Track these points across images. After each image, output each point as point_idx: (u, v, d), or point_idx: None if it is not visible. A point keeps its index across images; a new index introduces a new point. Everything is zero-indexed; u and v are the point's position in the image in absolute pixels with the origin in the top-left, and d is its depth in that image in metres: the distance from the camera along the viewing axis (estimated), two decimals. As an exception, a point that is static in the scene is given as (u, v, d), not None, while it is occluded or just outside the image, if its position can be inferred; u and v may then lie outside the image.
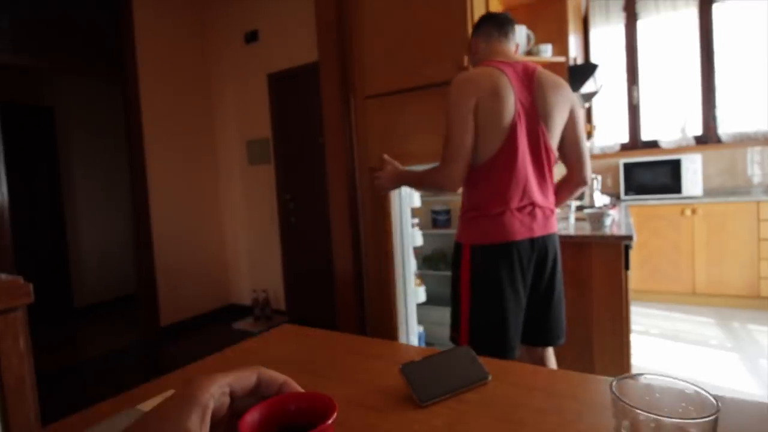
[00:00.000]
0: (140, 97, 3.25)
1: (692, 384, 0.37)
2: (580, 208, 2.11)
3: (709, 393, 0.36)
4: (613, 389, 0.38)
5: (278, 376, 0.35)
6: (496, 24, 1.45)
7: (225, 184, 3.91)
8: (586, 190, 2.67)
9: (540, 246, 1.36)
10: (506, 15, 1.48)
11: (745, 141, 3.56)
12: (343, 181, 2.20)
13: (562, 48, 2.22)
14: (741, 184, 3.59)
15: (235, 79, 3.75)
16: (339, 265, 2.21)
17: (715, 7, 3.61)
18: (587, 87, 2.60)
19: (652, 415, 0.34)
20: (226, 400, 0.32)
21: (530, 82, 1.34)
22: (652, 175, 3.55)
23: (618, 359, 1.81)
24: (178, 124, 3.56)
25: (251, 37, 3.65)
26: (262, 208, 3.70)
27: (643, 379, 0.39)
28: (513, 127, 1.29)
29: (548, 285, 1.41)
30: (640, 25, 3.89)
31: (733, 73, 3.57)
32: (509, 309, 1.33)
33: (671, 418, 0.34)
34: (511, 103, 1.29)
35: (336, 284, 2.24)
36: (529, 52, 2.17)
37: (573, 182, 1.48)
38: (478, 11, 1.92)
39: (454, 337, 1.43)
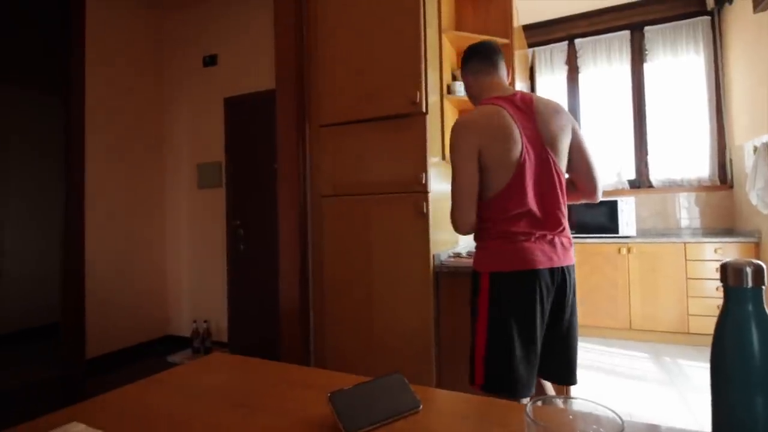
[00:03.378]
0: (84, 114, 3.10)
1: (602, 405, 0.38)
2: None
3: (616, 413, 0.36)
4: (528, 412, 0.37)
5: None
6: (482, 56, 1.46)
7: (171, 207, 3.74)
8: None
9: (560, 277, 1.29)
10: (490, 44, 1.48)
11: (673, 187, 3.88)
12: (295, 209, 2.16)
13: (509, 91, 2.36)
14: (671, 227, 3.88)
15: (191, 101, 3.68)
16: (285, 294, 2.14)
17: (645, 66, 4.00)
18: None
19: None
20: None
21: (531, 111, 1.33)
22: (592, 215, 3.77)
23: (558, 390, 1.84)
24: (125, 144, 3.41)
25: (210, 60, 3.63)
26: (210, 233, 3.56)
27: (557, 402, 0.39)
28: (522, 161, 1.28)
29: (568, 318, 1.33)
30: (581, 77, 4.23)
31: (663, 125, 3.93)
32: (530, 345, 1.25)
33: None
34: (518, 137, 1.28)
35: (281, 315, 2.16)
36: (478, 93, 2.30)
37: (584, 196, 1.47)
38: (432, 51, 2.02)
39: (470, 378, 1.31)
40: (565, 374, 1.36)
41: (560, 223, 1.32)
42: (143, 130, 3.58)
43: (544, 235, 1.30)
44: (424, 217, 1.90)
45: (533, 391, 1.28)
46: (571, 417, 0.39)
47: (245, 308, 3.35)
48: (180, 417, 0.63)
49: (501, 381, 1.24)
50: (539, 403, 0.39)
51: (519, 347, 1.24)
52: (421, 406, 0.62)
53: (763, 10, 2.96)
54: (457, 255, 2.11)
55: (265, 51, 3.22)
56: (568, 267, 1.32)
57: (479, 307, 1.31)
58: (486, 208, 1.34)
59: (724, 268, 0.47)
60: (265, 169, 3.24)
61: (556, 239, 1.31)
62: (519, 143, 1.28)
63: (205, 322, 3.44)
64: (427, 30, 1.97)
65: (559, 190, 1.33)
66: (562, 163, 1.36)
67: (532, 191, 1.30)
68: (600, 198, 1.48)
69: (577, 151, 1.41)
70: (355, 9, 2.07)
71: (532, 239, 1.28)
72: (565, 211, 1.35)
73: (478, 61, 1.46)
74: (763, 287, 0.46)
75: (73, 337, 2.99)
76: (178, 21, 3.74)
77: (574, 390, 1.79)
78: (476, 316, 1.32)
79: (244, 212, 3.38)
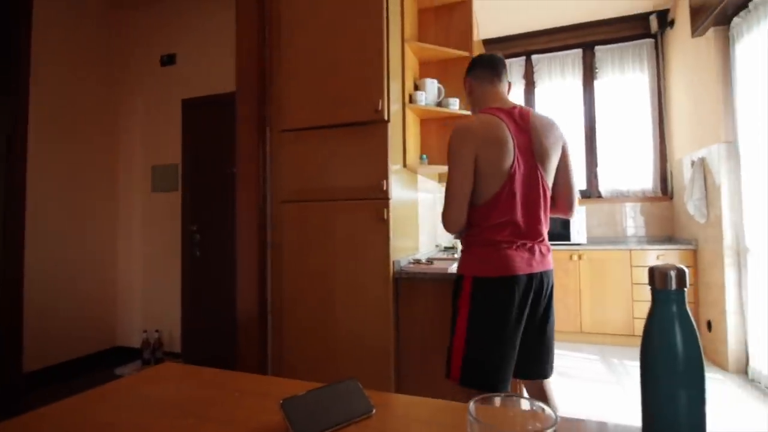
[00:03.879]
0: (28, 112, 2.91)
1: (537, 403, 0.40)
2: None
3: (551, 410, 0.38)
4: (471, 411, 0.39)
5: None
6: (490, 66, 1.52)
7: (123, 211, 3.57)
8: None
9: (537, 281, 1.40)
10: (498, 56, 1.55)
11: (620, 198, 4.11)
12: (254, 214, 2.12)
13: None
14: (618, 235, 4.11)
15: (147, 102, 3.54)
16: (242, 301, 2.09)
17: (596, 82, 4.24)
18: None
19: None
20: None
21: (527, 126, 1.41)
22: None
23: (533, 386, 1.89)
24: (73, 145, 3.23)
25: (168, 60, 3.51)
26: (164, 239, 3.42)
27: (498, 400, 0.41)
28: (512, 171, 1.37)
29: (543, 318, 1.44)
30: (537, 91, 4.42)
31: (612, 139, 4.16)
32: (507, 344, 1.34)
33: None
34: (511, 150, 1.36)
35: (238, 322, 2.10)
36: (439, 104, 2.35)
37: (560, 213, 1.56)
38: (395, 60, 2.05)
39: (446, 372, 1.41)
40: (541, 370, 1.47)
41: (541, 234, 1.43)
42: (94, 131, 3.41)
43: (525, 244, 1.39)
44: (384, 223, 1.91)
45: (509, 387, 1.37)
46: (511, 415, 0.41)
47: (200, 316, 3.24)
48: (123, 430, 0.60)
49: (479, 376, 1.33)
50: (481, 402, 0.40)
51: (497, 345, 1.33)
52: (375, 411, 0.63)
53: (700, 34, 3.21)
54: (417, 261, 2.14)
55: (227, 52, 3.15)
56: (545, 272, 1.43)
57: (460, 307, 1.39)
58: (474, 213, 1.42)
59: (652, 272, 0.51)
60: (223, 173, 3.16)
61: (536, 247, 1.41)
62: (512, 155, 1.36)
63: (156, 331, 3.30)
64: (390, 39, 2.00)
65: (542, 204, 1.43)
66: (549, 179, 1.46)
67: (519, 202, 1.38)
68: (574, 216, 1.59)
69: (563, 170, 1.51)
70: (318, 14, 2.07)
71: (513, 247, 1.37)
72: (546, 222, 1.46)
73: (483, 68, 1.53)
74: (686, 289, 0.50)
75: (9, 349, 2.78)
76: (134, 17, 3.61)
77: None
78: (456, 316, 1.40)
79: (201, 217, 3.28)
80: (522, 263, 1.36)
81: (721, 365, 2.99)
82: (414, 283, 1.94)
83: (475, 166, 1.38)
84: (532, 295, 1.38)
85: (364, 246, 1.95)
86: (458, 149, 1.38)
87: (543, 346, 1.46)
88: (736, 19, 2.86)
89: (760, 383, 2.67)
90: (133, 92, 3.58)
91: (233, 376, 0.82)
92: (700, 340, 0.50)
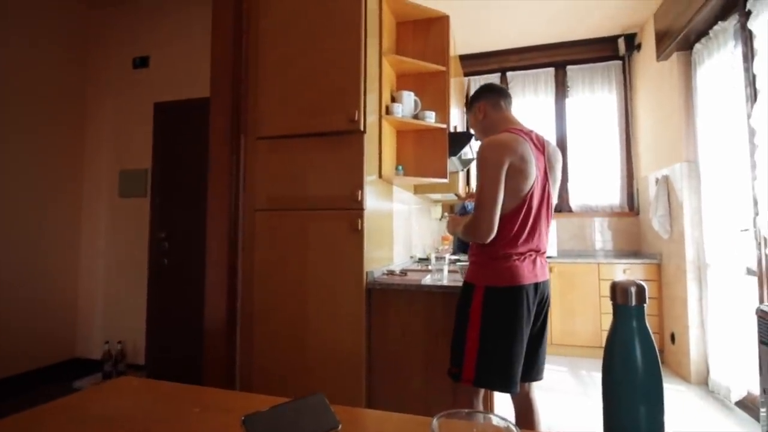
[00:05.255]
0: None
1: (501, 418, 0.40)
2: (454, 261, 2.26)
3: (512, 424, 0.38)
4: (433, 427, 0.39)
5: None
6: (503, 94, 1.67)
7: (88, 216, 3.44)
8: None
9: (541, 290, 1.52)
10: (505, 87, 1.69)
11: (590, 212, 4.24)
12: (225, 222, 2.08)
13: (443, 116, 2.47)
14: (587, 248, 4.22)
15: (117, 104, 3.44)
16: (211, 311, 2.03)
17: (567, 100, 4.38)
18: (466, 154, 2.89)
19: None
20: None
21: (544, 150, 1.56)
22: (519, 235, 3.99)
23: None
24: (36, 146, 3.10)
25: (141, 62, 3.44)
26: (130, 246, 3.30)
27: (462, 416, 0.41)
28: (532, 188, 1.48)
29: (542, 325, 1.56)
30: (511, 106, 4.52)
31: (582, 155, 4.30)
32: (518, 346, 1.45)
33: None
34: (534, 167, 1.47)
35: (205, 333, 2.04)
36: (415, 116, 2.37)
37: None
38: (372, 71, 2.07)
39: (455, 373, 1.50)
40: (537, 372, 1.58)
41: (545, 247, 1.58)
42: (60, 131, 3.28)
43: (532, 255, 1.52)
44: (359, 234, 1.91)
45: (518, 387, 1.48)
46: (474, 430, 0.40)
47: (167, 327, 3.13)
48: (72, 449, 0.57)
49: (493, 377, 1.45)
50: (446, 417, 0.40)
51: (510, 348, 1.44)
52: (341, 427, 0.61)
53: (665, 58, 3.37)
54: (391, 272, 2.13)
55: (202, 56, 3.10)
56: (546, 282, 1.56)
57: (471, 315, 1.49)
58: None
59: (613, 288, 0.52)
60: (195, 179, 3.09)
61: (538, 259, 1.54)
62: (534, 173, 1.48)
63: (119, 343, 3.17)
64: (368, 51, 2.01)
65: (548, 220, 1.59)
66: (554, 199, 1.63)
67: (533, 218, 1.50)
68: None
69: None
70: (297, 23, 2.07)
71: (523, 258, 1.49)
72: (548, 238, 1.61)
73: (496, 94, 1.67)
74: (645, 305, 0.52)
75: (-43, 362, 2.62)
76: (107, 17, 3.52)
77: (499, 404, 1.86)
78: (467, 323, 1.49)
79: (171, 224, 3.19)
80: (530, 273, 1.49)
81: (684, 377, 3.09)
82: (387, 295, 1.93)
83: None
84: (536, 302, 1.51)
85: (338, 256, 1.93)
86: (494, 159, 1.45)
87: (541, 349, 1.58)
88: (697, 45, 3.02)
89: (719, 394, 2.77)
90: (102, 94, 3.48)
91: (195, 391, 0.79)
92: (658, 354, 0.51)
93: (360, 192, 1.91)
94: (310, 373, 1.92)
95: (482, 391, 1.57)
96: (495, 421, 0.40)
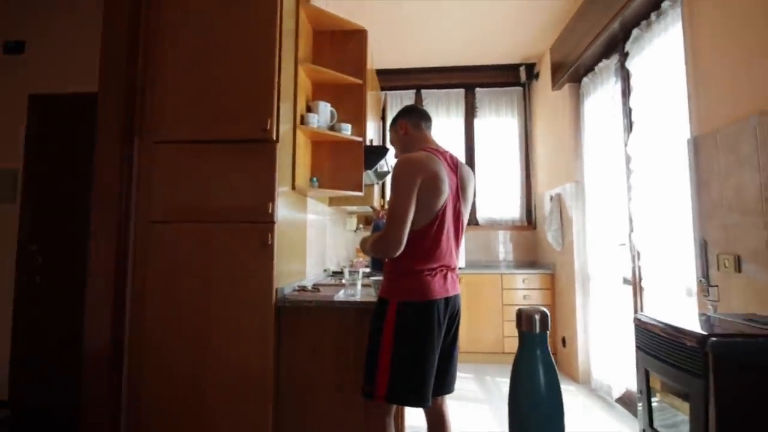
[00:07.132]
0: None
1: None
2: (367, 275, 2.25)
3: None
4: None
5: None
6: (425, 116, 1.74)
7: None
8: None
9: (452, 304, 1.55)
10: (427, 112, 1.77)
11: (494, 225, 4.53)
12: (112, 234, 1.84)
13: (360, 129, 2.46)
14: (492, 259, 4.50)
15: (-22, 92, 2.92)
16: (91, 339, 1.77)
17: (476, 120, 4.66)
18: (382, 167, 2.92)
19: None
20: None
21: (456, 169, 1.62)
22: (431, 248, 4.12)
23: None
24: None
25: (14, 47, 2.96)
26: (-8, 260, 2.79)
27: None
28: (444, 206, 1.51)
29: (453, 339, 1.60)
30: (425, 123, 4.69)
31: (488, 172, 4.59)
32: (430, 361, 1.47)
33: None
34: (447, 186, 1.52)
35: (85, 362, 1.77)
36: (332, 128, 2.33)
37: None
38: (287, 79, 1.99)
39: (368, 392, 1.49)
40: (448, 385, 1.61)
41: (455, 263, 1.62)
42: None
43: (443, 271, 1.55)
44: (268, 248, 1.80)
45: (430, 402, 1.49)
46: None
47: (38, 356, 2.68)
48: None
49: (405, 393, 1.47)
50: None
51: (422, 363, 1.46)
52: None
53: (558, 88, 3.74)
54: (302, 288, 2.05)
55: (91, 48, 2.76)
56: (457, 296, 1.60)
57: (384, 330, 1.49)
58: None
59: (519, 315, 0.53)
60: (79, 185, 2.71)
61: (449, 274, 1.58)
62: (446, 192, 1.52)
63: (-28, 375, 2.64)
64: (283, 57, 1.93)
65: (459, 238, 1.64)
66: (466, 218, 1.67)
67: (444, 235, 1.53)
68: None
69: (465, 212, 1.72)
70: (204, 20, 1.93)
71: (433, 273, 1.51)
72: (458, 254, 1.65)
73: (419, 115, 1.73)
74: (548, 332, 0.53)
75: None
76: (-33, -9, 2.98)
77: (410, 417, 1.87)
78: (380, 338, 1.49)
79: (46, 235, 2.75)
80: (441, 288, 1.52)
81: (573, 377, 3.40)
82: (298, 313, 1.85)
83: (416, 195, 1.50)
84: (447, 316, 1.53)
85: (246, 273, 1.81)
86: (407, 177, 1.48)
87: (452, 363, 1.62)
88: (585, 79, 3.39)
89: (602, 392, 3.08)
90: (-40, 79, 2.93)
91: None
92: (559, 379, 0.52)
93: (271, 204, 1.82)
94: (210, 402, 1.75)
95: (394, 408, 1.55)
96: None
